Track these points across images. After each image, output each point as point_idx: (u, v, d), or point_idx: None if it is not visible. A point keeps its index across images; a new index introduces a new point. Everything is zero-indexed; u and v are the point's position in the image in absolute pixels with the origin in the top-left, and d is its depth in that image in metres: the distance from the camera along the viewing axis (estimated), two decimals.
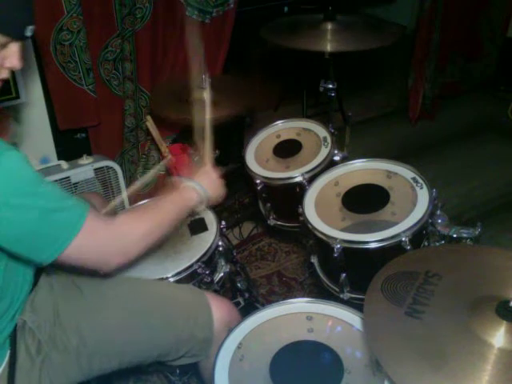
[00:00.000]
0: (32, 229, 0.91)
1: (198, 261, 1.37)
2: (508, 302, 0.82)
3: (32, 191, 0.91)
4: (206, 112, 1.45)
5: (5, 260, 1.00)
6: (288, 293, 2.03)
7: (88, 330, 1.12)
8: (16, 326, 1.07)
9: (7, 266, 1.02)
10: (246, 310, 1.57)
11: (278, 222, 1.82)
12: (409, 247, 1.29)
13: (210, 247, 1.41)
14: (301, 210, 1.50)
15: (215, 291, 1.44)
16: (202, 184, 1.25)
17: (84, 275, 1.19)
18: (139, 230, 1.07)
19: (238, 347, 1.10)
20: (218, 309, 1.22)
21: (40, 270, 1.17)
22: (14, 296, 1.07)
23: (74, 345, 1.10)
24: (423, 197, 1.40)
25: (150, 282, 1.29)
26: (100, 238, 1.01)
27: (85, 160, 1.97)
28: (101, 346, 1.12)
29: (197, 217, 1.54)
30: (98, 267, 1.04)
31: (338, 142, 1.80)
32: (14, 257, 1.01)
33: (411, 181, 1.47)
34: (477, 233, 1.34)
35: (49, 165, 1.96)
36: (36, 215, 0.90)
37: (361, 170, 1.60)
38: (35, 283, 1.16)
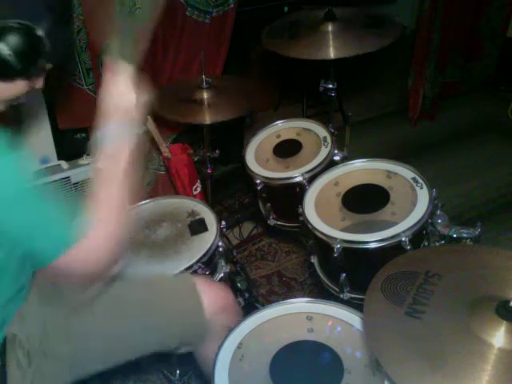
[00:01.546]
0: (28, 234, 0.87)
1: (198, 261, 1.37)
2: (508, 301, 0.82)
3: (22, 201, 0.87)
4: None
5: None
6: (288, 293, 2.03)
7: (77, 337, 1.10)
8: (5, 339, 1.05)
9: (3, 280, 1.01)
10: (246, 310, 1.57)
11: (278, 222, 1.82)
12: (409, 247, 1.29)
13: (210, 248, 1.41)
14: (301, 209, 1.50)
15: None
16: (116, 118, 1.00)
17: None
18: (117, 233, 0.96)
19: (238, 347, 1.10)
20: (208, 293, 1.20)
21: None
22: (5, 311, 1.05)
23: (65, 352, 1.08)
24: (423, 197, 1.40)
25: (134, 276, 1.24)
26: (87, 261, 0.93)
27: (85, 160, 1.97)
28: (92, 350, 1.11)
29: (197, 217, 1.55)
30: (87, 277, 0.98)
31: (338, 142, 1.80)
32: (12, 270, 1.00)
33: (411, 181, 1.47)
34: (477, 233, 1.34)
35: (49, 165, 1.96)
36: (27, 223, 0.87)
37: (361, 169, 1.60)
38: None
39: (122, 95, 1.02)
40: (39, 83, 0.97)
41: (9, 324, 1.06)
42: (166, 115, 1.82)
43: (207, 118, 1.75)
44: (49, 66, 0.94)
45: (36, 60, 0.91)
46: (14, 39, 0.84)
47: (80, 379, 1.12)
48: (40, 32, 0.87)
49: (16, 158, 0.86)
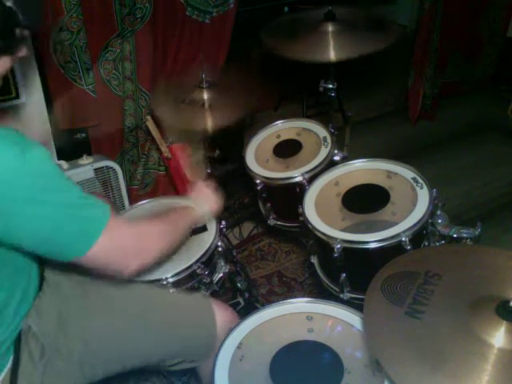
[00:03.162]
0: (59, 224, 0.90)
1: (197, 261, 1.37)
2: (508, 301, 0.82)
3: (58, 186, 0.91)
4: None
5: (11, 268, 1.00)
6: (288, 293, 2.03)
7: (92, 335, 1.11)
8: (21, 331, 1.07)
9: (12, 275, 1.01)
10: (246, 310, 1.57)
11: (278, 222, 1.82)
12: (409, 247, 1.29)
13: (209, 248, 1.41)
14: (301, 209, 1.50)
15: (215, 291, 1.44)
16: (201, 204, 1.33)
17: (89, 279, 1.18)
18: (157, 234, 1.09)
19: (238, 347, 1.10)
20: (221, 316, 1.23)
21: (43, 275, 1.17)
22: (20, 304, 1.06)
23: (78, 350, 1.09)
24: (423, 197, 1.40)
25: (155, 287, 1.30)
26: (124, 237, 1.01)
27: (85, 160, 1.97)
28: (104, 351, 1.12)
29: None
30: (118, 271, 1.03)
31: (338, 142, 1.80)
32: (20, 263, 1.01)
33: (411, 181, 1.47)
34: (477, 233, 1.34)
35: None
36: (63, 210, 0.91)
37: (361, 169, 1.60)
38: (40, 288, 1.15)
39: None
40: (22, 52, 0.96)
41: (23, 318, 1.07)
42: (166, 119, 1.81)
43: (208, 123, 1.74)
44: (25, 32, 0.93)
45: (13, 32, 0.89)
46: None
47: (88, 383, 1.12)
48: (8, 2, 0.85)
49: (43, 148, 0.90)
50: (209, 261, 1.42)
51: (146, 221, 1.13)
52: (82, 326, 1.11)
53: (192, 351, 1.19)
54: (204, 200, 1.35)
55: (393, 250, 1.30)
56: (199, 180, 1.44)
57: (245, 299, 1.69)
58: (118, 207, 2.06)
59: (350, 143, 2.18)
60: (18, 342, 1.05)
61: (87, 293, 1.17)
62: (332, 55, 1.65)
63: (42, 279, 1.16)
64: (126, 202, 2.08)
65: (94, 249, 0.94)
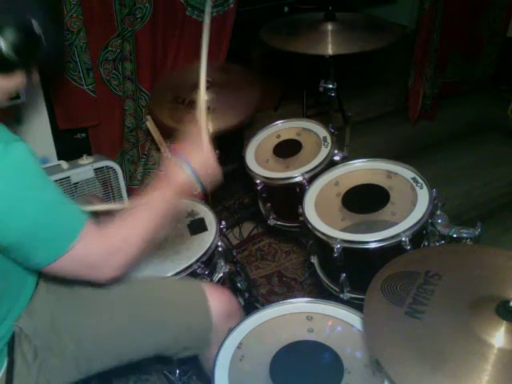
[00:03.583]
0: (33, 225, 0.88)
1: (197, 261, 1.37)
2: (508, 301, 0.82)
3: (39, 185, 0.90)
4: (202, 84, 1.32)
5: (6, 268, 0.99)
6: (288, 293, 2.03)
7: (84, 334, 1.11)
8: (14, 333, 1.06)
9: (8, 275, 1.01)
10: (246, 310, 1.57)
11: (278, 222, 1.82)
12: (409, 247, 1.29)
13: (209, 247, 1.41)
14: (301, 210, 1.50)
15: None
16: (195, 168, 1.15)
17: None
18: (133, 240, 1.02)
19: (238, 347, 1.10)
20: (215, 299, 1.21)
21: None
22: (13, 304, 1.06)
23: (71, 349, 1.09)
24: (423, 197, 1.41)
25: (144, 277, 1.27)
26: (96, 248, 0.97)
27: (85, 160, 1.97)
28: (98, 347, 1.11)
29: (196, 217, 1.54)
30: (92, 278, 1.01)
31: (338, 142, 1.80)
32: (16, 265, 1.00)
33: (411, 181, 1.48)
34: (477, 233, 1.34)
35: (49, 165, 1.96)
36: (41, 209, 0.89)
37: (361, 169, 1.60)
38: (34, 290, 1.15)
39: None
40: (36, 77, 0.99)
41: (15, 320, 1.07)
42: (165, 121, 1.80)
43: (208, 124, 1.72)
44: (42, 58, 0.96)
45: (33, 53, 0.92)
46: (11, 33, 0.86)
47: (85, 377, 1.12)
48: (35, 26, 0.89)
49: (26, 144, 0.90)
50: (209, 261, 1.42)
51: (123, 229, 1.03)
52: (73, 324, 1.11)
53: (188, 338, 1.18)
54: (200, 169, 1.16)
55: (393, 250, 1.30)
56: (203, 140, 1.19)
57: (245, 299, 1.69)
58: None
59: (350, 143, 2.18)
60: (11, 345, 1.05)
61: (78, 291, 1.16)
62: (330, 49, 1.67)
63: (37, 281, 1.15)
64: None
65: (63, 257, 0.92)
